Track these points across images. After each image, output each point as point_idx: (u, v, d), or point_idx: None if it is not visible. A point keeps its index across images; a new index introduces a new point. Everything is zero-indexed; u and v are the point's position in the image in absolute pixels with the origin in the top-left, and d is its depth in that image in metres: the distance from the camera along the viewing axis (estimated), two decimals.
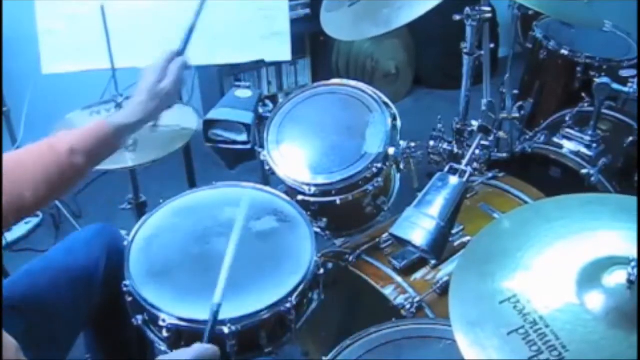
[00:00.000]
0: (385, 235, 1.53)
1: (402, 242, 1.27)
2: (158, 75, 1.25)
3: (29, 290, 1.30)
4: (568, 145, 1.94)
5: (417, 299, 1.39)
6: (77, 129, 1.19)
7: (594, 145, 1.91)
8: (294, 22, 1.98)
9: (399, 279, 1.44)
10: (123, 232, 1.38)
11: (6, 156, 1.12)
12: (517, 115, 1.90)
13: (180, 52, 1.31)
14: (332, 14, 1.67)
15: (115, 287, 1.25)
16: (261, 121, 1.63)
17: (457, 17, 1.66)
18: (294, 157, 1.53)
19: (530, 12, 2.02)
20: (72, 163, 1.13)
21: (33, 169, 1.10)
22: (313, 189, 1.47)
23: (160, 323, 1.17)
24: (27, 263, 1.38)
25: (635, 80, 1.85)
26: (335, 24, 1.66)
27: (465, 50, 1.69)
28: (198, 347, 1.10)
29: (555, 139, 1.97)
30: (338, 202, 1.48)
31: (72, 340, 1.39)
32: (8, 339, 0.99)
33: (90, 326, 1.47)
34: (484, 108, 1.67)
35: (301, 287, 1.23)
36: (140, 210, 1.93)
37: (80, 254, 1.39)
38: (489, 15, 1.61)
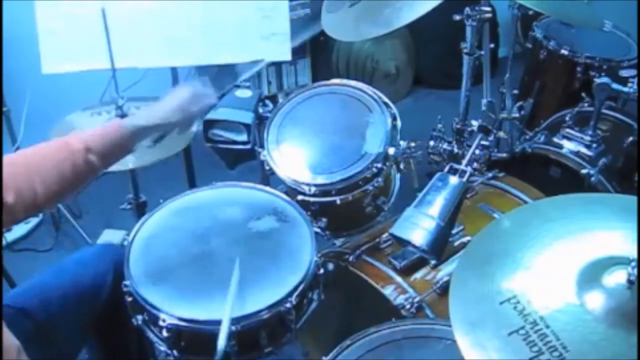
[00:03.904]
0: (385, 235, 1.53)
1: (402, 242, 1.27)
2: (192, 96, 1.27)
3: (39, 297, 1.32)
4: (568, 145, 1.94)
5: (417, 299, 1.39)
6: (93, 129, 1.19)
7: (594, 145, 1.91)
8: (294, 22, 1.98)
9: (399, 279, 1.44)
10: (123, 232, 1.38)
11: (21, 151, 1.12)
12: (517, 115, 1.90)
13: (218, 96, 1.36)
14: (333, 15, 1.67)
15: (120, 300, 1.27)
16: (261, 121, 1.63)
17: (457, 17, 1.65)
18: (294, 157, 1.53)
19: (530, 12, 2.02)
20: (86, 161, 1.12)
21: (47, 164, 1.10)
22: (313, 189, 1.47)
23: (160, 323, 1.17)
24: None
25: (635, 80, 1.85)
26: (336, 25, 1.66)
27: (465, 50, 1.69)
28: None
29: (555, 139, 1.97)
30: (338, 202, 1.48)
31: (78, 347, 1.40)
32: (10, 339, 0.99)
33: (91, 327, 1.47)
34: (484, 108, 1.67)
35: (301, 287, 1.23)
36: (140, 210, 1.93)
37: (90, 267, 1.41)
38: (489, 15, 1.61)
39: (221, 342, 1.09)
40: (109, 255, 1.44)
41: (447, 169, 1.31)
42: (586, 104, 2.05)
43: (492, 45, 1.70)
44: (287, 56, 1.94)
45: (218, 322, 1.15)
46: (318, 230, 1.49)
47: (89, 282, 1.39)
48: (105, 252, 1.46)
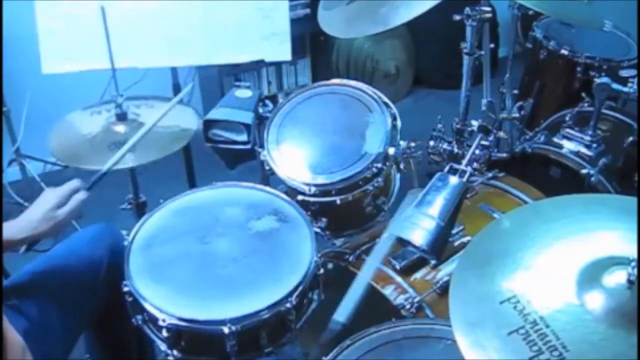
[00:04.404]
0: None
1: (402, 242, 1.27)
2: (58, 201, 1.25)
3: (32, 289, 1.31)
4: (568, 145, 1.94)
5: (417, 299, 1.39)
6: None
7: (594, 145, 1.91)
8: (294, 22, 1.98)
9: (399, 279, 1.44)
10: (123, 232, 1.38)
11: None
12: (517, 115, 1.90)
13: (87, 188, 1.32)
14: (329, 12, 1.66)
15: (117, 287, 1.26)
16: (261, 121, 1.63)
17: (457, 17, 1.65)
18: (294, 157, 1.53)
19: (530, 12, 2.02)
20: None
21: None
22: (313, 189, 1.46)
23: (160, 323, 1.17)
24: (28, 262, 1.38)
25: (635, 80, 1.85)
26: (333, 22, 1.65)
27: (465, 50, 1.69)
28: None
29: (555, 139, 1.97)
30: (338, 202, 1.48)
31: (74, 340, 1.39)
32: (15, 338, 1.00)
33: (91, 326, 1.47)
34: (484, 108, 1.67)
35: (301, 287, 1.23)
36: (140, 210, 1.93)
37: (83, 253, 1.40)
38: (489, 15, 1.61)
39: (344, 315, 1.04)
40: (103, 239, 1.42)
41: (447, 169, 1.31)
42: (586, 104, 2.05)
43: (492, 45, 1.70)
44: (287, 56, 1.95)
45: (218, 322, 1.15)
46: (318, 230, 1.49)
47: (83, 270, 1.37)
48: (98, 235, 1.44)
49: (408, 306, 1.37)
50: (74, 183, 1.30)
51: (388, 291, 1.41)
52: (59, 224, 1.25)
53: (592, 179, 1.81)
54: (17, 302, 1.26)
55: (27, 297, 1.29)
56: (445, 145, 1.82)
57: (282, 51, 1.93)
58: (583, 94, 2.08)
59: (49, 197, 1.26)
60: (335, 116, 1.60)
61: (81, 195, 1.29)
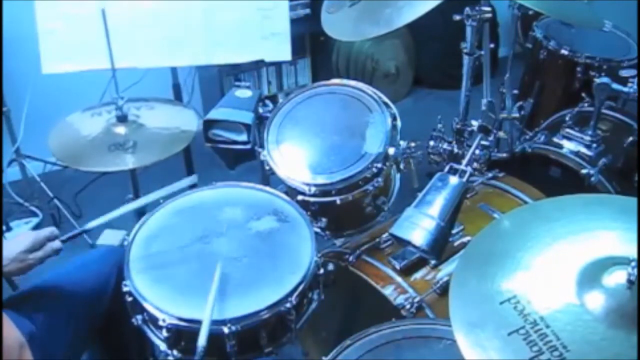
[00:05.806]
0: (385, 235, 1.53)
1: (402, 242, 1.27)
2: (33, 245, 1.25)
3: (42, 300, 1.33)
4: (568, 145, 1.94)
5: (417, 299, 1.39)
6: None
7: (594, 145, 1.91)
8: (294, 22, 1.99)
9: (399, 279, 1.44)
10: (123, 232, 1.38)
11: None
12: (517, 115, 1.90)
13: (62, 240, 1.31)
14: (333, 16, 1.66)
15: (121, 301, 1.27)
16: (261, 121, 1.63)
17: (457, 17, 1.65)
18: (294, 157, 1.53)
19: (530, 12, 2.02)
20: None
21: None
22: (313, 189, 1.46)
23: (160, 323, 1.17)
24: (36, 275, 1.39)
25: (635, 80, 1.85)
26: (336, 25, 1.65)
27: (465, 50, 1.69)
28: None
29: (555, 139, 1.97)
30: (338, 202, 1.48)
31: (80, 351, 1.41)
32: (14, 334, 0.99)
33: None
34: (484, 108, 1.67)
35: (301, 287, 1.23)
36: (140, 210, 1.93)
37: (92, 270, 1.42)
38: (489, 15, 1.61)
39: None
40: (112, 258, 1.44)
41: (447, 169, 1.31)
42: (586, 104, 2.05)
43: (492, 45, 1.70)
44: (287, 56, 1.95)
45: (218, 322, 1.15)
46: (318, 230, 1.49)
47: (92, 286, 1.39)
48: (108, 255, 1.47)
49: (408, 306, 1.37)
50: (52, 231, 1.30)
51: (388, 291, 1.41)
52: (27, 267, 1.26)
53: (592, 179, 1.81)
54: (26, 310, 1.27)
55: (37, 307, 1.30)
56: (445, 145, 1.82)
57: (282, 51, 1.93)
58: (583, 94, 2.08)
59: (26, 239, 1.26)
60: (335, 116, 1.60)
61: (55, 245, 1.29)
